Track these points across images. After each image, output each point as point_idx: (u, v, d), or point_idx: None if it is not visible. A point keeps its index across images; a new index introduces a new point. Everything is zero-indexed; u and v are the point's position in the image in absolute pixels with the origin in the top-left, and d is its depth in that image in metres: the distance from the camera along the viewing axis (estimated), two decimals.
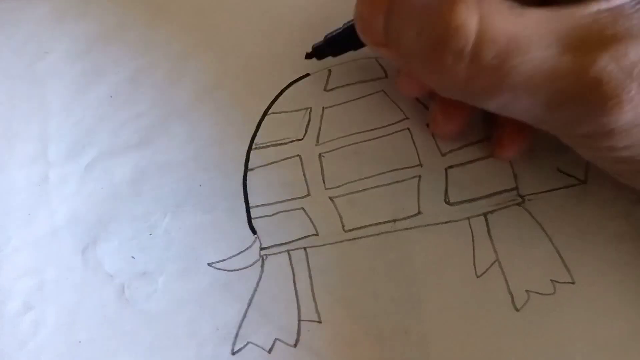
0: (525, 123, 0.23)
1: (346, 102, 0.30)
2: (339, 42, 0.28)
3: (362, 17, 0.24)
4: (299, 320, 0.27)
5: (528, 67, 0.20)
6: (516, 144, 0.27)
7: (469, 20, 0.20)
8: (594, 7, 0.19)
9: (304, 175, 0.29)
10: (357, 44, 0.26)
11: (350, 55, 0.30)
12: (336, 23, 0.32)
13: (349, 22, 0.27)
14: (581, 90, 0.19)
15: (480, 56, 0.20)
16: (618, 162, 0.22)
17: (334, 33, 0.28)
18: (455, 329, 0.26)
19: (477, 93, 0.22)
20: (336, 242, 0.28)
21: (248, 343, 0.27)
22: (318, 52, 0.29)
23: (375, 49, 0.25)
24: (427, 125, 0.29)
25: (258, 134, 0.30)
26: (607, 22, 0.19)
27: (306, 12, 0.33)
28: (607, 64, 0.19)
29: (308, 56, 0.30)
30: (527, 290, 0.26)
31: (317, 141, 0.30)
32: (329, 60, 0.31)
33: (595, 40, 0.19)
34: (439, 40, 0.20)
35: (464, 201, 0.28)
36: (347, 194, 0.29)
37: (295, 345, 0.27)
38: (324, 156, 0.29)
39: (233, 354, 0.27)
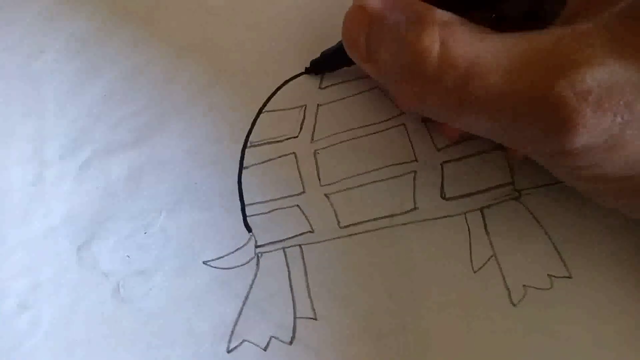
0: None
1: (341, 99, 0.30)
2: (333, 59, 0.29)
3: (347, 36, 0.25)
4: (295, 318, 0.27)
5: (487, 90, 0.20)
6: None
7: (432, 45, 0.21)
8: (556, 32, 0.20)
9: (299, 172, 0.29)
10: (350, 61, 0.27)
11: None
12: (331, 21, 0.31)
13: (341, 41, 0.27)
14: (538, 114, 0.20)
15: (442, 79, 0.21)
16: (583, 180, 0.23)
17: (329, 50, 0.29)
18: (452, 325, 0.26)
19: (442, 113, 0.23)
20: (332, 239, 0.28)
21: (244, 341, 0.27)
22: (316, 67, 0.30)
23: (361, 67, 0.26)
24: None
25: (253, 132, 0.30)
26: (568, 48, 0.20)
27: (301, 10, 0.32)
28: (564, 90, 0.19)
29: (307, 71, 0.30)
30: (524, 285, 0.26)
31: (312, 138, 0.30)
32: None
33: (553, 66, 0.20)
34: (408, 64, 0.22)
35: (460, 196, 0.28)
36: (342, 191, 0.28)
37: (291, 343, 0.27)
38: (319, 153, 0.29)
39: (229, 352, 0.27)
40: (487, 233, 0.27)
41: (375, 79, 0.26)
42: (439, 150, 0.29)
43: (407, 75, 0.22)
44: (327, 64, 0.30)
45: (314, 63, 0.30)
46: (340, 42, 0.27)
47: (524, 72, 0.20)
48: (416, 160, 0.29)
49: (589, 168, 0.21)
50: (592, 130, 0.19)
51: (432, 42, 0.21)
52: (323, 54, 0.30)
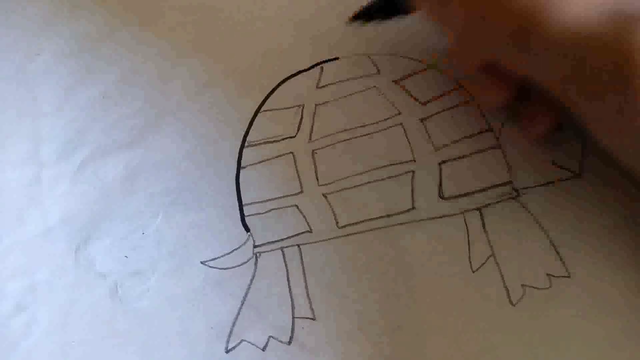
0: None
1: (339, 98, 0.30)
2: (384, 6, 0.29)
3: None
4: (293, 318, 0.27)
5: (555, 24, 0.21)
6: (547, 119, 0.27)
7: None
8: None
9: (297, 172, 0.29)
10: (402, 10, 0.27)
11: (344, 52, 0.31)
12: (327, 21, 0.32)
13: None
14: (616, 59, 0.20)
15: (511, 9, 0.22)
16: (629, 136, 0.22)
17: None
18: (451, 325, 0.26)
19: (508, 50, 0.23)
20: (330, 239, 0.28)
21: (242, 341, 0.27)
22: (361, 16, 0.29)
23: (430, 12, 0.26)
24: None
25: (250, 131, 0.30)
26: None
27: (298, 11, 0.32)
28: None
29: (353, 19, 0.30)
30: (522, 285, 0.26)
31: (310, 138, 0.29)
32: (320, 57, 0.31)
33: (631, 17, 0.20)
34: None
35: (458, 196, 0.28)
36: (340, 190, 0.28)
37: (289, 343, 0.26)
38: (316, 153, 0.29)
39: (227, 352, 0.26)
40: (486, 232, 0.27)
41: (443, 24, 0.26)
42: (436, 150, 0.29)
43: (478, 7, 0.23)
44: (375, 12, 0.29)
45: (361, 11, 0.29)
46: None
47: (607, 15, 0.20)
48: (414, 160, 0.28)
49: None
50: None
51: None
52: (370, 3, 0.29)
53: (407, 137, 0.29)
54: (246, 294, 0.27)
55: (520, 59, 0.23)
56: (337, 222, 0.28)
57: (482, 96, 0.28)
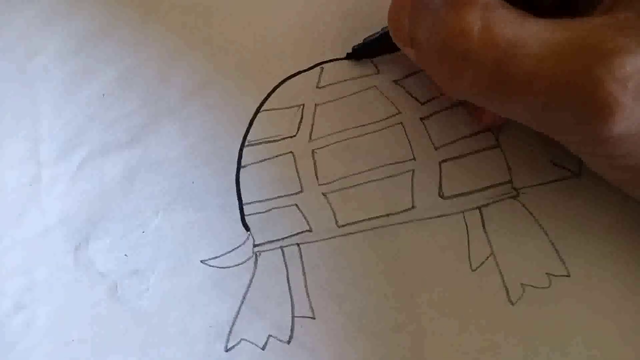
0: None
1: (338, 98, 0.30)
2: (376, 45, 0.29)
3: (392, 19, 0.26)
4: (293, 317, 0.27)
5: (526, 72, 0.20)
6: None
7: (473, 25, 0.21)
8: (597, 20, 0.20)
9: (297, 171, 0.29)
10: (392, 48, 0.27)
11: (344, 52, 0.31)
12: (327, 20, 0.32)
13: (385, 26, 0.28)
14: (576, 99, 0.20)
15: (481, 59, 0.21)
16: (616, 169, 0.23)
17: (373, 35, 0.29)
18: (450, 324, 0.26)
19: (479, 95, 0.23)
20: (330, 238, 0.28)
21: (241, 340, 0.27)
22: (357, 53, 0.30)
23: (404, 51, 0.26)
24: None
25: (250, 131, 0.30)
26: (608, 35, 0.20)
27: (297, 10, 0.32)
28: (603, 75, 0.19)
29: (349, 56, 0.31)
30: (522, 284, 0.26)
31: (310, 138, 0.30)
32: (322, 58, 0.31)
33: (593, 52, 0.20)
34: (447, 43, 0.22)
35: (458, 195, 0.28)
36: (340, 190, 0.28)
37: (289, 342, 0.26)
38: (316, 152, 0.29)
39: (226, 351, 0.26)
40: (485, 232, 0.27)
41: (417, 63, 0.26)
42: (436, 149, 0.29)
43: (446, 55, 0.22)
44: (370, 49, 0.30)
45: (356, 49, 0.30)
46: (384, 28, 0.28)
47: (564, 57, 0.20)
48: (414, 159, 0.28)
49: (623, 157, 0.21)
50: (630, 117, 0.19)
51: (472, 21, 0.21)
52: (366, 40, 0.30)
53: (407, 136, 0.29)
54: (246, 293, 0.27)
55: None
56: (337, 221, 0.28)
57: (482, 119, 0.28)
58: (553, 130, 0.23)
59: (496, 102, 0.23)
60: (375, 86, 0.30)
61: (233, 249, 0.28)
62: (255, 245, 0.28)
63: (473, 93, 0.23)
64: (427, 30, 0.23)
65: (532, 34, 0.20)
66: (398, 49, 0.27)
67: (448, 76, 0.23)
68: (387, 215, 0.28)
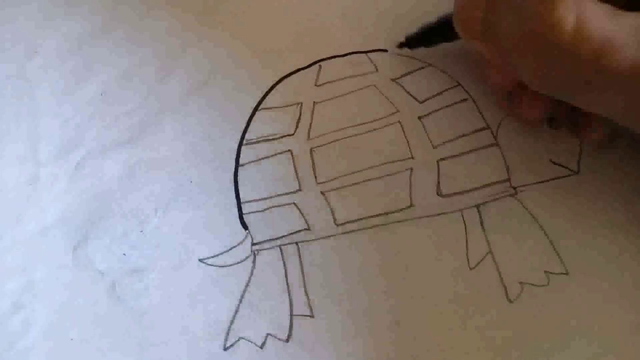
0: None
1: (337, 96, 0.30)
2: (434, 34, 0.29)
3: (461, 11, 0.25)
4: (291, 315, 0.27)
5: (622, 65, 0.20)
6: (544, 104, 0.27)
7: (567, 18, 0.21)
8: None
9: (295, 170, 0.29)
10: (451, 37, 0.27)
11: (342, 50, 0.31)
12: (326, 19, 0.32)
13: (444, 15, 0.27)
14: None
15: (575, 52, 0.21)
16: None
17: (429, 24, 0.29)
18: (449, 322, 0.26)
19: (567, 88, 0.23)
20: (328, 237, 0.28)
21: (240, 339, 0.27)
22: (411, 41, 0.30)
23: (469, 42, 0.25)
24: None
25: (249, 129, 0.30)
26: None
27: (296, 8, 0.33)
28: None
29: (401, 45, 0.30)
30: (520, 282, 0.26)
31: (308, 136, 0.30)
32: (319, 55, 0.31)
33: None
34: (538, 35, 0.22)
35: (456, 193, 0.28)
36: (338, 188, 0.28)
37: (287, 340, 0.26)
38: (315, 151, 0.29)
39: (225, 349, 0.26)
40: (484, 230, 0.27)
41: (489, 56, 0.25)
42: (435, 147, 0.29)
43: (534, 48, 0.22)
44: (425, 38, 0.29)
45: (410, 37, 0.30)
46: (440, 17, 0.27)
47: None
48: (412, 157, 0.28)
49: None
50: None
51: (567, 13, 0.21)
52: (422, 29, 0.29)
53: (405, 135, 0.29)
54: (244, 292, 0.27)
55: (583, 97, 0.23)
56: (335, 220, 0.28)
57: (525, 112, 0.28)
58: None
59: (585, 96, 0.23)
60: (373, 84, 0.30)
61: (231, 248, 0.28)
62: (253, 244, 0.28)
63: (560, 87, 0.23)
64: (510, 22, 0.23)
65: (629, 26, 0.21)
66: (454, 39, 0.27)
67: (534, 70, 0.23)
68: (386, 213, 0.28)
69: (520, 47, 0.23)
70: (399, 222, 0.28)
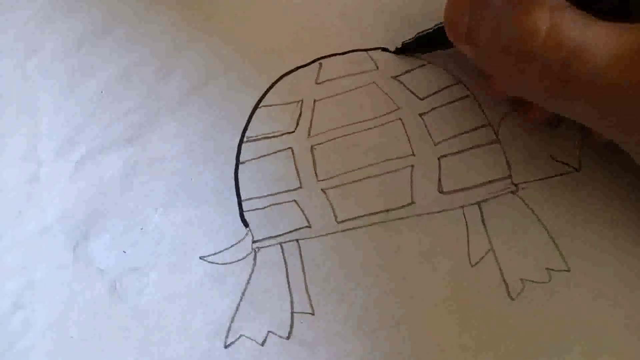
0: None
1: (337, 94, 0.30)
2: (429, 41, 0.29)
3: (449, 16, 0.25)
4: (292, 313, 0.27)
5: (593, 74, 0.21)
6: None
7: (540, 24, 0.21)
8: None
9: (296, 167, 0.29)
10: (446, 44, 0.27)
11: (342, 48, 0.31)
12: (326, 17, 0.32)
13: (439, 23, 0.27)
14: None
15: (548, 58, 0.21)
16: None
17: (425, 32, 0.29)
18: (450, 319, 0.26)
19: (541, 94, 0.23)
20: (329, 234, 0.28)
21: (241, 336, 0.26)
22: (408, 48, 0.30)
23: (460, 48, 0.26)
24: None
25: (249, 127, 0.30)
26: None
27: (296, 7, 0.32)
28: None
29: (398, 51, 0.30)
30: (522, 279, 0.26)
31: (309, 133, 0.29)
32: (319, 53, 0.31)
33: None
34: (512, 41, 0.22)
35: (457, 190, 0.28)
36: (339, 186, 0.28)
37: (288, 338, 0.26)
38: (315, 148, 0.29)
39: (226, 347, 0.26)
40: (485, 227, 0.27)
41: (474, 59, 0.26)
42: (436, 144, 0.28)
43: (510, 53, 0.22)
44: (422, 45, 0.30)
45: (407, 44, 0.30)
46: (437, 24, 0.28)
47: (631, 62, 0.20)
48: (413, 154, 0.28)
49: None
50: None
51: (541, 20, 0.21)
52: (418, 36, 0.30)
53: (406, 132, 0.29)
54: (245, 289, 0.27)
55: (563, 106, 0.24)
56: (336, 217, 0.28)
57: (529, 114, 0.28)
58: (614, 133, 0.23)
59: (559, 101, 0.23)
60: (374, 82, 0.30)
61: (232, 245, 0.28)
62: (254, 242, 0.28)
63: (535, 91, 0.23)
64: (490, 27, 0.23)
65: (600, 36, 0.21)
66: (450, 46, 0.27)
67: (509, 74, 0.23)
68: (387, 211, 0.28)
69: (499, 53, 0.23)
70: (399, 219, 0.28)
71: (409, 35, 0.30)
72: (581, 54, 0.21)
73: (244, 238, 0.28)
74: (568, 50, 0.21)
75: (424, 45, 0.30)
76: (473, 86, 0.30)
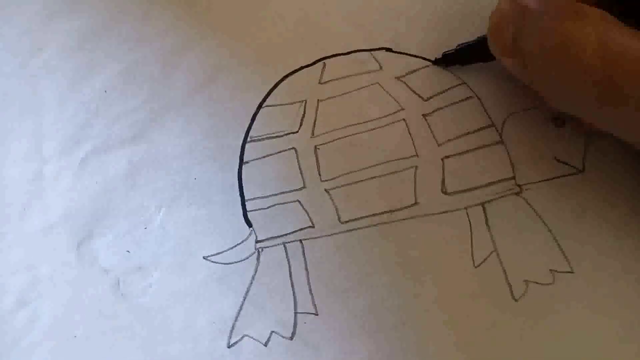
0: None
1: (341, 94, 0.30)
2: (470, 53, 0.29)
3: (494, 28, 0.25)
4: (295, 313, 0.27)
5: (634, 89, 0.21)
6: None
7: (588, 36, 0.21)
8: None
9: (300, 167, 0.29)
10: (487, 57, 0.27)
11: (346, 48, 0.31)
12: (330, 16, 0.32)
13: (482, 35, 0.27)
14: None
15: (596, 70, 0.21)
16: None
17: (466, 43, 0.29)
18: (453, 320, 0.26)
19: (586, 106, 0.23)
20: (332, 234, 0.28)
21: (244, 336, 0.27)
22: (447, 59, 0.30)
23: (503, 61, 0.26)
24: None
25: (253, 126, 0.30)
26: None
27: (300, 7, 0.32)
28: None
29: (437, 62, 0.30)
30: (525, 281, 0.26)
31: (313, 133, 0.29)
32: (323, 53, 0.31)
33: None
34: (558, 53, 0.22)
35: (461, 191, 0.28)
36: (343, 186, 0.28)
37: (291, 338, 0.26)
38: (319, 148, 0.29)
39: (229, 347, 0.26)
40: (489, 228, 0.27)
41: (517, 73, 0.25)
42: (439, 145, 0.28)
43: (556, 65, 0.22)
44: (462, 57, 0.29)
45: (447, 55, 0.30)
46: (479, 37, 0.28)
47: None
48: (417, 155, 0.28)
49: None
50: None
51: (588, 32, 0.21)
52: (459, 47, 0.29)
53: (409, 133, 0.29)
54: (248, 289, 0.27)
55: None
56: (339, 218, 0.28)
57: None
58: None
59: (603, 114, 0.23)
60: (377, 82, 0.30)
61: (236, 245, 0.28)
62: (257, 242, 0.28)
63: (580, 104, 0.23)
64: (536, 39, 0.23)
65: None
66: (491, 58, 0.27)
67: (555, 87, 0.23)
68: (390, 211, 0.28)
69: (545, 65, 0.23)
70: (403, 220, 0.28)
71: (411, 35, 0.30)
72: (628, 65, 0.21)
73: (247, 238, 0.28)
74: (615, 62, 0.21)
75: (464, 57, 0.29)
76: (476, 87, 0.30)
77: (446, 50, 0.30)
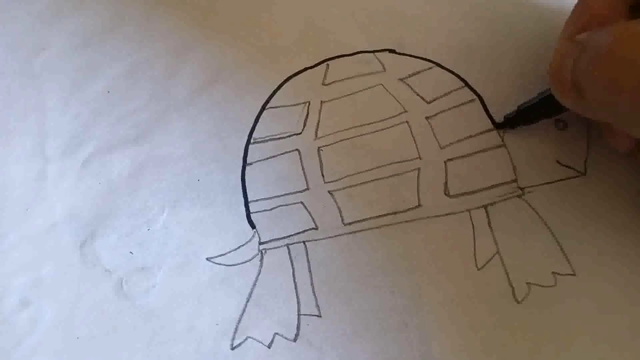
0: None
1: (344, 96, 0.30)
2: (533, 112, 0.28)
3: (553, 75, 0.25)
4: (299, 315, 0.27)
5: None
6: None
7: None
8: None
9: (303, 169, 0.29)
10: (551, 113, 0.27)
11: (350, 49, 0.31)
12: (334, 17, 0.32)
13: (543, 92, 0.27)
14: None
15: None
16: None
17: (528, 103, 0.28)
18: (456, 322, 0.26)
19: None
20: (336, 236, 0.28)
21: (247, 338, 0.27)
22: (511, 121, 0.29)
23: (569, 104, 0.24)
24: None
25: (256, 128, 0.30)
26: None
27: (303, 8, 0.32)
28: None
29: (500, 126, 0.29)
30: (528, 283, 0.26)
31: (316, 135, 0.29)
32: (326, 54, 0.31)
33: None
34: (613, 77, 0.21)
35: (464, 193, 0.28)
36: (346, 188, 0.28)
37: (295, 340, 0.26)
38: (322, 150, 0.29)
39: (232, 348, 0.26)
40: (491, 230, 0.27)
41: (583, 113, 0.24)
42: (442, 148, 0.29)
43: (624, 91, 0.21)
44: (526, 118, 0.28)
45: (509, 118, 0.29)
46: (540, 94, 0.27)
47: None
48: (420, 157, 0.29)
49: None
50: None
51: None
52: (520, 109, 0.28)
53: (412, 135, 0.29)
54: (252, 291, 0.27)
55: None
56: (342, 219, 0.28)
57: (618, 144, 0.27)
58: None
59: None
60: (381, 84, 0.30)
61: (239, 247, 0.28)
62: (261, 243, 0.28)
63: None
64: (590, 70, 0.22)
65: None
66: (554, 114, 0.27)
67: (621, 115, 0.22)
68: (393, 213, 0.28)
69: (605, 92, 0.22)
70: (406, 222, 0.28)
71: (414, 37, 0.30)
72: None
73: (250, 239, 0.28)
74: None
75: (527, 117, 0.28)
76: (479, 89, 0.30)
77: (507, 113, 0.29)
